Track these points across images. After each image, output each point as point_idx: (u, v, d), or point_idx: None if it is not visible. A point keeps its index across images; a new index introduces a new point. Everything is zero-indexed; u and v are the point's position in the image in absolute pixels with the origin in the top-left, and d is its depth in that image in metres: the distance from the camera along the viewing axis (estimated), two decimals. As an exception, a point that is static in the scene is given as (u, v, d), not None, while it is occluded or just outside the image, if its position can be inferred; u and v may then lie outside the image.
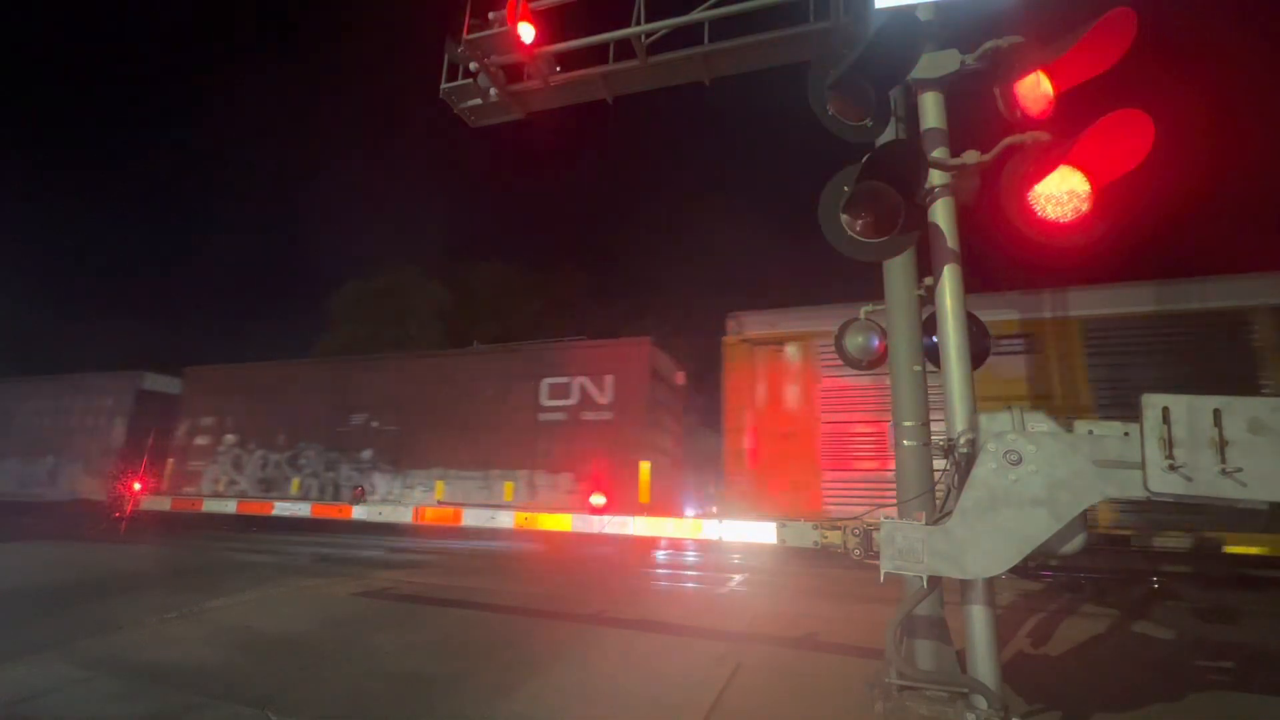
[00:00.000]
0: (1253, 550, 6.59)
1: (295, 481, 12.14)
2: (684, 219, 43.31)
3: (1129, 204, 3.08)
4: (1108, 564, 7.29)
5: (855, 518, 3.41)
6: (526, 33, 5.71)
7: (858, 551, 3.26)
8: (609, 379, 10.28)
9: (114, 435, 14.76)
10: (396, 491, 11.31)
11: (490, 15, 5.82)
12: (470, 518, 5.75)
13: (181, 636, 5.05)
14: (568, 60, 6.03)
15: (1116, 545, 7.06)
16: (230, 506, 8.72)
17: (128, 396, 15.05)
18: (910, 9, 3.43)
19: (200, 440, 13.51)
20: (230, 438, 13.19)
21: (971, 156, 3.37)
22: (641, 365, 10.31)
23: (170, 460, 13.62)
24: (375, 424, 11.96)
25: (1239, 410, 2.41)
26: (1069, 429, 2.80)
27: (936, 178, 3.44)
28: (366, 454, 11.82)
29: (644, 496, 9.26)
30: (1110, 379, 7.57)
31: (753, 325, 9.17)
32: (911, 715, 3.23)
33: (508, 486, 10.35)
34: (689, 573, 9.27)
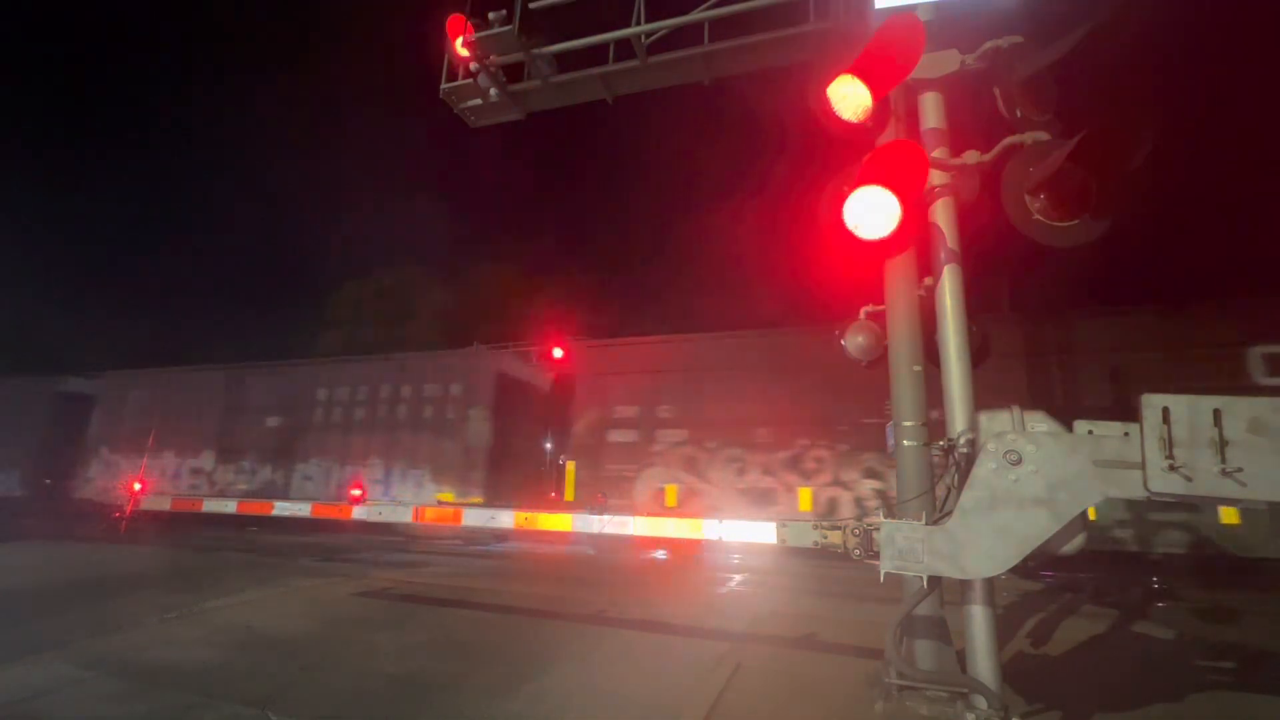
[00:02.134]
0: None
1: (805, 492, 9.00)
2: (684, 219, 43.38)
3: (1129, 204, 3.08)
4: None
5: (855, 517, 3.41)
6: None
7: (858, 551, 3.26)
8: None
9: (471, 431, 11.18)
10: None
11: (490, 15, 5.82)
12: (470, 518, 5.75)
13: (181, 636, 5.05)
14: (567, 60, 6.03)
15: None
16: (230, 506, 8.65)
17: (485, 380, 11.53)
18: (910, 9, 3.43)
19: (619, 437, 10.33)
20: (673, 434, 9.98)
21: (971, 156, 3.38)
22: None
23: (569, 463, 10.55)
24: (934, 414, 9.08)
25: (1239, 410, 2.41)
26: (1069, 429, 2.81)
27: (936, 178, 3.44)
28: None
29: None
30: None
31: None
32: (911, 715, 3.23)
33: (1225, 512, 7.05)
34: (689, 573, 9.27)
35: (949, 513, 2.84)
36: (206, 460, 13.35)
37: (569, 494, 10.15)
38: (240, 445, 13.08)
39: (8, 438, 15.25)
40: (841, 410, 9.14)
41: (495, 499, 10.69)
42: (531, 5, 5.81)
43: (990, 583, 3.03)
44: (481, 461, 11.10)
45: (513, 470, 11.50)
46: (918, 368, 3.85)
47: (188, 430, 13.71)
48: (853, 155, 3.61)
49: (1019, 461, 2.69)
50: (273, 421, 12.99)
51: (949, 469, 3.16)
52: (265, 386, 13.47)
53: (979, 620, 3.02)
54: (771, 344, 10.12)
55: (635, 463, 10.06)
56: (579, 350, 11.14)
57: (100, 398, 15.17)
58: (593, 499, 9.97)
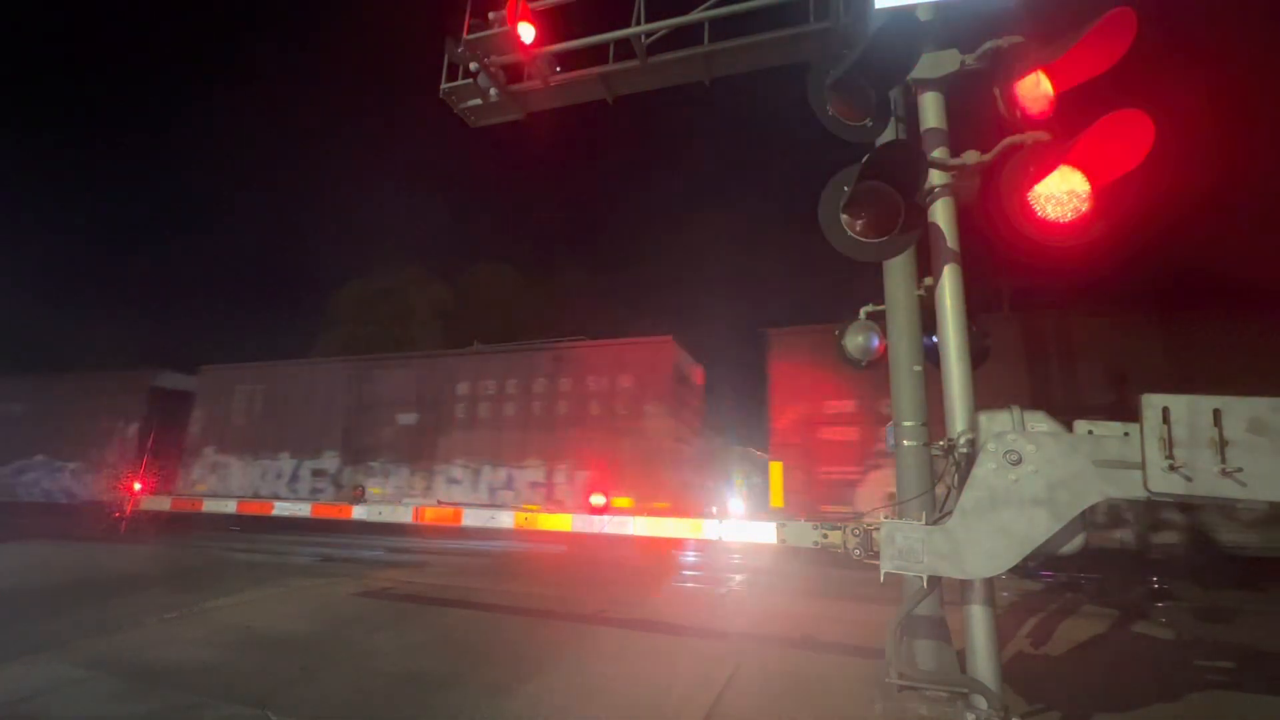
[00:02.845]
0: None
1: None
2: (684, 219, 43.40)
3: (1130, 204, 3.08)
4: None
5: (855, 517, 3.41)
6: (526, 33, 5.71)
7: (858, 552, 3.26)
8: None
9: (650, 429, 9.88)
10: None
11: (490, 15, 5.83)
12: (470, 518, 5.75)
13: (181, 636, 5.05)
14: (567, 60, 6.03)
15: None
16: (230, 506, 8.61)
17: (661, 372, 10.04)
18: (910, 9, 3.43)
19: (834, 435, 9.05)
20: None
21: (971, 156, 3.38)
22: None
23: (774, 464, 9.19)
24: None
25: (1239, 410, 2.41)
26: (1069, 429, 2.81)
27: (936, 178, 3.44)
28: None
29: None
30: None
31: None
32: (911, 715, 3.23)
33: None
34: (689, 572, 9.27)
35: (949, 513, 2.83)
36: (329, 461, 12.12)
37: (776, 499, 8.92)
38: (369, 444, 11.89)
39: (96, 438, 13.91)
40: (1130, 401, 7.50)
41: (682, 505, 9.59)
42: (532, 5, 5.81)
43: (990, 583, 3.03)
44: (663, 462, 9.81)
45: (698, 471, 10.39)
46: (918, 368, 3.85)
47: (306, 429, 12.50)
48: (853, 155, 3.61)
49: (1019, 461, 2.69)
50: (406, 419, 11.78)
51: (949, 469, 3.16)
52: (396, 381, 12.20)
53: (979, 620, 3.02)
54: (1027, 325, 8.49)
55: (857, 464, 8.75)
56: (774, 339, 9.78)
57: (201, 394, 13.81)
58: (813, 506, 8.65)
